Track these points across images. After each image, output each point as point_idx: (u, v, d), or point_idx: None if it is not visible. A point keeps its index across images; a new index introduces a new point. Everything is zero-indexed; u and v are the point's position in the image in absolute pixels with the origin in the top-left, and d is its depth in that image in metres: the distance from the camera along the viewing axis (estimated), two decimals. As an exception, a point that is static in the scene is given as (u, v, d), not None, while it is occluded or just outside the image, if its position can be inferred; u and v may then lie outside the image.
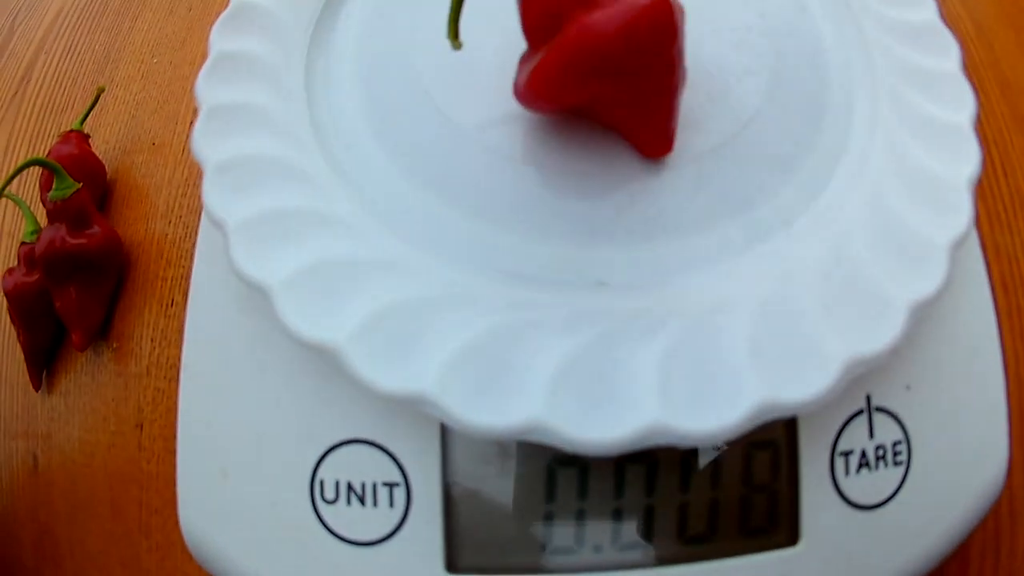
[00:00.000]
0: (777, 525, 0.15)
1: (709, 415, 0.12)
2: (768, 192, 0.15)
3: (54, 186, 0.19)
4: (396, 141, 0.15)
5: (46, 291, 0.19)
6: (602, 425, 0.12)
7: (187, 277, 0.19)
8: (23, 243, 0.20)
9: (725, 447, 0.15)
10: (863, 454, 0.15)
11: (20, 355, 0.20)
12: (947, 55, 0.17)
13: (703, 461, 0.14)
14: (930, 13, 0.18)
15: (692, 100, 0.15)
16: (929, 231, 0.14)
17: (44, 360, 0.20)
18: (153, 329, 0.19)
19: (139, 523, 0.18)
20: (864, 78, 0.17)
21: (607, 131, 0.15)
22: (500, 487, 0.14)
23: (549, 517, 0.14)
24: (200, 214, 0.19)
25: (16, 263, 0.20)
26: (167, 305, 0.19)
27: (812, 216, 0.15)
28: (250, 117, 0.16)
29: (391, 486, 0.14)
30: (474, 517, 0.14)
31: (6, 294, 0.19)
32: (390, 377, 0.12)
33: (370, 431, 0.14)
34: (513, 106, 0.15)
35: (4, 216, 0.23)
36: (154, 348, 0.19)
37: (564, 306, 0.14)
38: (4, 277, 0.19)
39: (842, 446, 0.15)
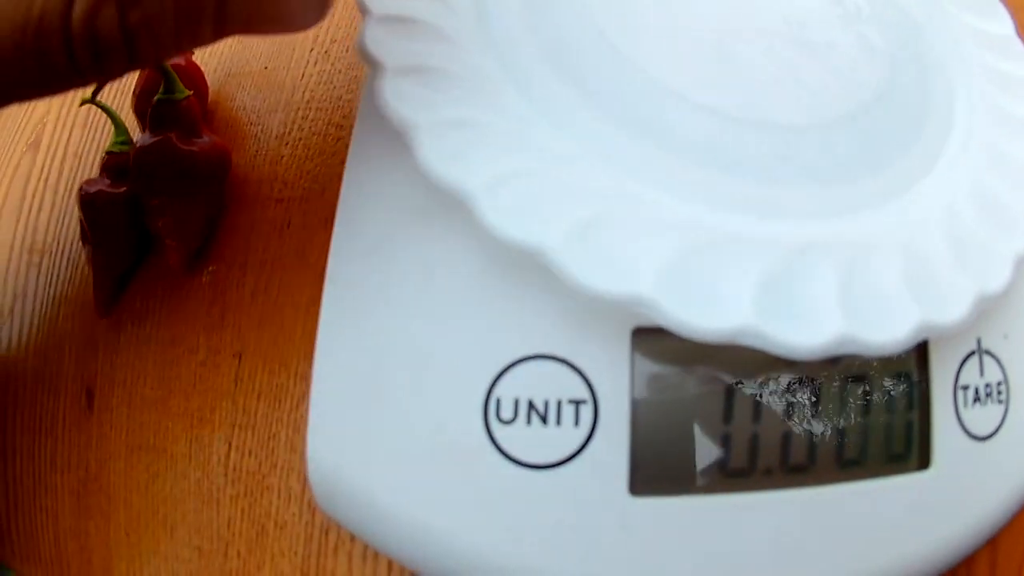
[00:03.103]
0: (911, 451, 0.16)
1: (883, 330, 0.13)
2: (894, 158, 0.16)
3: (162, 91, 0.17)
4: (575, 74, 0.15)
5: (132, 205, 0.17)
6: (802, 333, 0.13)
7: (307, 199, 0.17)
8: (108, 153, 0.18)
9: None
10: (976, 390, 0.16)
11: (76, 276, 0.18)
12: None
13: (857, 390, 0.15)
14: (1008, 29, 0.19)
15: (822, 70, 0.17)
16: (1019, 205, 0.16)
17: (118, 283, 0.18)
18: (263, 252, 0.17)
19: (225, 468, 0.16)
20: (957, 74, 0.18)
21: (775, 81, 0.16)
22: (682, 406, 0.14)
23: (727, 438, 0.14)
24: (318, 135, 0.18)
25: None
26: (282, 227, 0.17)
27: (929, 182, 0.16)
28: (419, 27, 0.15)
29: (577, 403, 0.13)
30: (657, 436, 0.13)
31: (84, 205, 0.17)
32: (607, 280, 0.12)
33: (556, 346, 0.13)
34: (683, 43, 0.15)
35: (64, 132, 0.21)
36: (263, 272, 0.17)
37: (750, 231, 0.14)
38: (83, 187, 0.17)
39: (962, 381, 0.16)
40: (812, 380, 0.15)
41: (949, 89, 0.18)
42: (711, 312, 0.13)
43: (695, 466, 0.14)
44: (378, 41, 0.14)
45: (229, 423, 0.17)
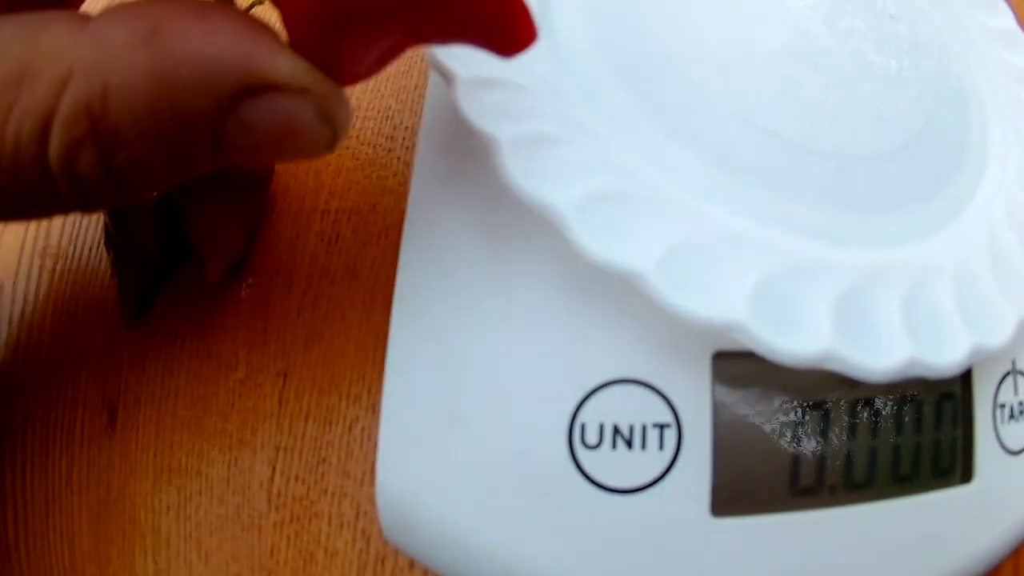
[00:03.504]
0: (955, 466, 0.16)
1: (944, 354, 0.14)
2: (941, 186, 0.17)
3: None
4: (644, 96, 0.15)
5: (164, 209, 0.15)
6: (877, 357, 0.13)
7: (358, 211, 0.17)
8: None
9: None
10: (1011, 408, 0.17)
11: (95, 284, 0.17)
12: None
13: (911, 409, 0.16)
14: (1009, 22, 0.20)
15: (875, 99, 0.17)
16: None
17: (145, 293, 0.16)
18: (310, 266, 0.16)
19: (269, 493, 0.16)
20: (989, 98, 0.19)
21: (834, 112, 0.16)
22: (758, 427, 0.14)
23: (798, 457, 0.14)
24: (367, 144, 0.17)
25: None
26: (330, 240, 0.16)
27: (972, 209, 0.17)
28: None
29: (662, 427, 0.13)
30: (737, 458, 0.14)
31: (111, 210, 0.16)
32: (701, 305, 0.12)
33: (639, 370, 0.13)
34: (746, 68, 0.16)
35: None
36: (310, 285, 0.16)
37: (823, 257, 0.14)
38: None
39: (1000, 399, 0.17)
40: (872, 400, 0.15)
41: (983, 115, 0.19)
42: (798, 337, 0.13)
43: (771, 485, 0.14)
44: (449, 50, 0.14)
45: (273, 445, 0.16)
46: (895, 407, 0.15)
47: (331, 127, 0.11)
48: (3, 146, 0.10)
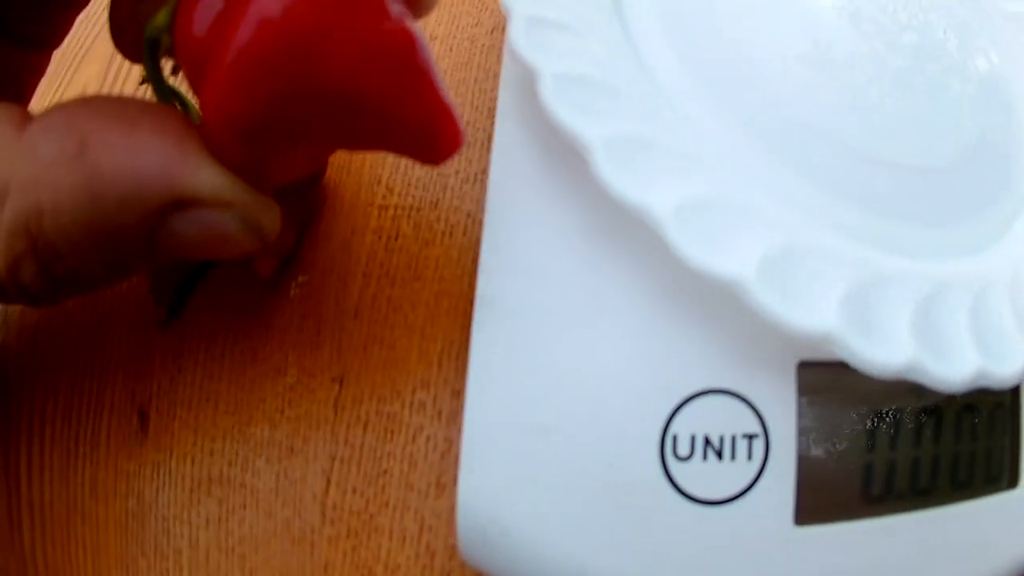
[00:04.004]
0: (1004, 471, 0.17)
1: (1006, 364, 0.14)
2: (993, 199, 0.17)
3: None
4: (723, 102, 0.15)
5: None
6: (952, 368, 0.13)
7: (418, 208, 0.16)
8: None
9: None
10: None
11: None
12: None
13: (972, 417, 0.16)
14: None
15: (936, 111, 0.17)
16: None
17: (180, 291, 0.15)
18: (367, 264, 0.15)
19: (323, 506, 0.15)
20: None
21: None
22: (839, 436, 0.14)
23: (871, 464, 0.14)
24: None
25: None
26: (389, 238, 0.15)
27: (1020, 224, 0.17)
28: (570, 32, 0.14)
29: (750, 437, 0.13)
30: (818, 466, 0.13)
31: None
32: (798, 314, 0.12)
33: (728, 379, 0.13)
34: (821, 78, 0.15)
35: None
36: (367, 285, 0.15)
37: (900, 268, 0.14)
38: None
39: (1043, 406, 0.18)
40: (936, 408, 0.15)
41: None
42: (885, 348, 0.13)
43: (847, 494, 0.14)
44: (533, 45, 0.13)
45: (327, 455, 0.15)
46: (956, 415, 0.16)
47: (257, 233, 0.11)
48: None
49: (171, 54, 0.11)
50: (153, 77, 0.12)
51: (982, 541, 0.16)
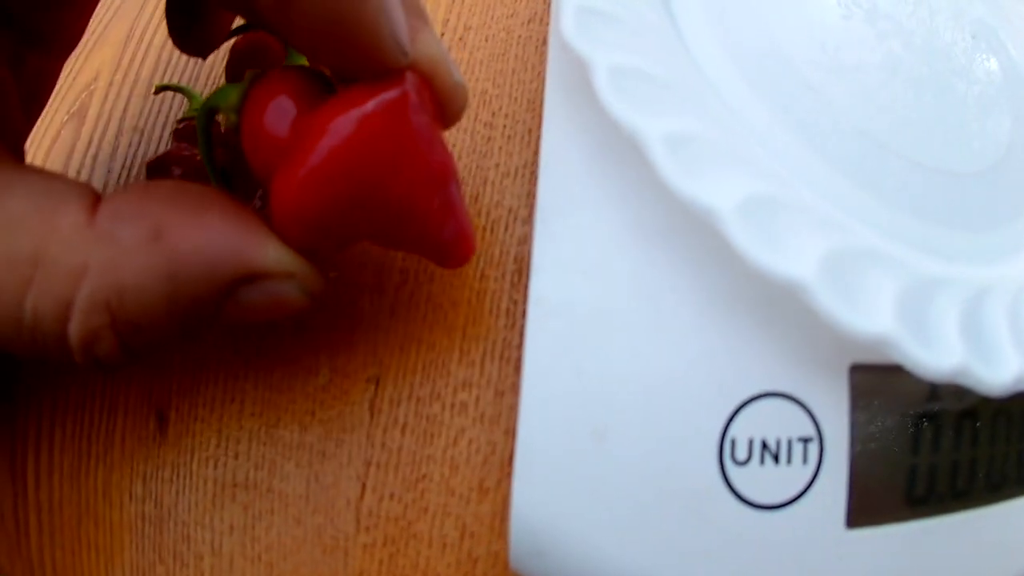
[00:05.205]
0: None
1: None
2: (1020, 210, 0.17)
3: (289, 56, 0.14)
4: (773, 102, 0.14)
5: (222, 185, 0.13)
6: (997, 371, 0.13)
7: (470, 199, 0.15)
8: (183, 121, 0.14)
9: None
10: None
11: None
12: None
13: (1004, 420, 0.16)
14: None
15: (970, 117, 0.17)
16: None
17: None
18: (404, 259, 0.14)
19: (357, 512, 0.14)
20: None
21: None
22: (891, 438, 0.14)
23: (916, 466, 0.14)
24: (462, 131, 0.16)
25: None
26: None
27: None
28: (621, 24, 0.13)
29: (806, 441, 0.13)
30: (869, 470, 0.13)
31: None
32: (856, 317, 0.12)
33: (784, 382, 0.13)
34: (863, 79, 0.15)
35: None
36: (404, 282, 0.14)
37: (944, 272, 0.14)
38: (153, 161, 0.13)
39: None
40: (975, 411, 0.16)
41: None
42: (937, 351, 0.13)
43: (894, 496, 0.14)
44: (584, 35, 0.13)
45: (362, 460, 0.14)
46: (991, 418, 0.16)
47: (310, 296, 0.13)
48: (22, 319, 0.11)
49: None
50: (205, 150, 0.14)
51: (1018, 541, 0.16)
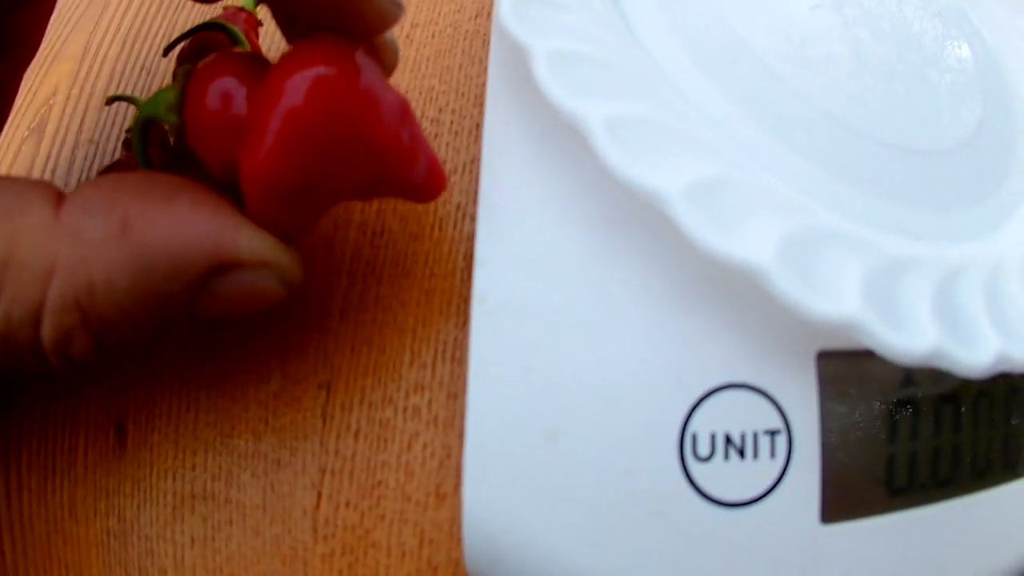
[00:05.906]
0: (1021, 457, 0.16)
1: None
2: (998, 183, 0.17)
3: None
4: (725, 83, 0.14)
5: None
6: (974, 353, 0.12)
7: (405, 202, 0.15)
8: (131, 130, 0.14)
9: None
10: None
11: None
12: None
13: (986, 404, 0.15)
14: None
15: (938, 95, 0.16)
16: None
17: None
18: (352, 262, 0.14)
19: (314, 521, 0.14)
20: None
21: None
22: (864, 427, 0.13)
23: (893, 456, 0.13)
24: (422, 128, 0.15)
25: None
26: (375, 234, 0.14)
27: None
28: (559, 10, 0.13)
29: (772, 434, 0.12)
30: (844, 461, 0.13)
31: None
32: (819, 300, 0.11)
33: (746, 373, 0.12)
34: (820, 56, 0.15)
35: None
36: (353, 284, 0.14)
37: (905, 251, 0.14)
38: (105, 171, 0.13)
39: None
40: (954, 395, 0.15)
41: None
42: (908, 334, 0.12)
43: (871, 488, 0.13)
44: (523, 21, 0.12)
45: (317, 468, 0.14)
46: (973, 402, 0.15)
47: (288, 286, 0.12)
48: None
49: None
50: (142, 158, 0.13)
51: (1005, 528, 0.15)
